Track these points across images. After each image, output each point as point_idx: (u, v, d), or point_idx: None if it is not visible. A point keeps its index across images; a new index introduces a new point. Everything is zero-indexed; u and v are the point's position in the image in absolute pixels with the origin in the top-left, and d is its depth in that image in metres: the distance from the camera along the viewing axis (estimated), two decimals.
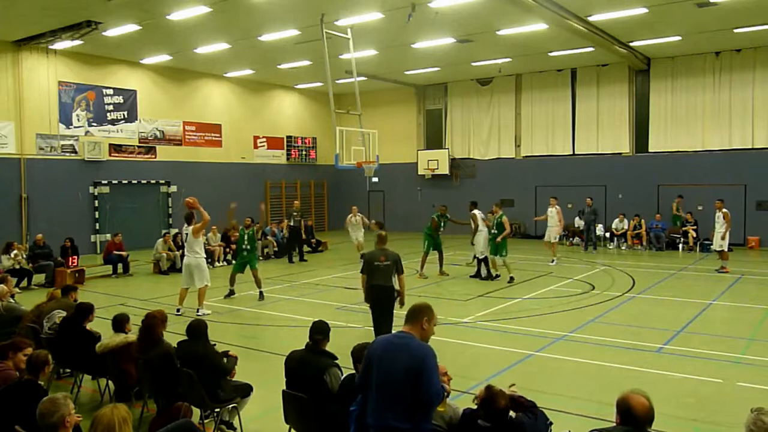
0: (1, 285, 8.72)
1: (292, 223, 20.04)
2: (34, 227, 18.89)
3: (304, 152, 29.17)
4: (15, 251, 15.29)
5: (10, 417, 4.51)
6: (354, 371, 5.14)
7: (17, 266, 15.11)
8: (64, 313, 7.43)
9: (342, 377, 5.17)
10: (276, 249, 20.96)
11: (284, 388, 5.38)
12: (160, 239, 18.03)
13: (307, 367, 5.27)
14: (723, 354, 8.68)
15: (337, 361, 5.33)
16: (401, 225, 27.34)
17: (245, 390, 6.15)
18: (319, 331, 5.49)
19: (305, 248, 21.19)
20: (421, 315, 4.36)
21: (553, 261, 18.10)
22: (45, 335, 7.28)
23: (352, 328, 10.50)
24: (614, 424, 3.80)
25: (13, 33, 18.29)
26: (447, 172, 27.26)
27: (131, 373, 6.37)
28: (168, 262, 17.62)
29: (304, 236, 20.62)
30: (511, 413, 4.41)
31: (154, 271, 17.57)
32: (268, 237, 20.89)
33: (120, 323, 6.71)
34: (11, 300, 8.57)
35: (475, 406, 4.43)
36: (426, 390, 4.07)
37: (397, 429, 4.08)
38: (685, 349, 9.02)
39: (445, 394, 4.34)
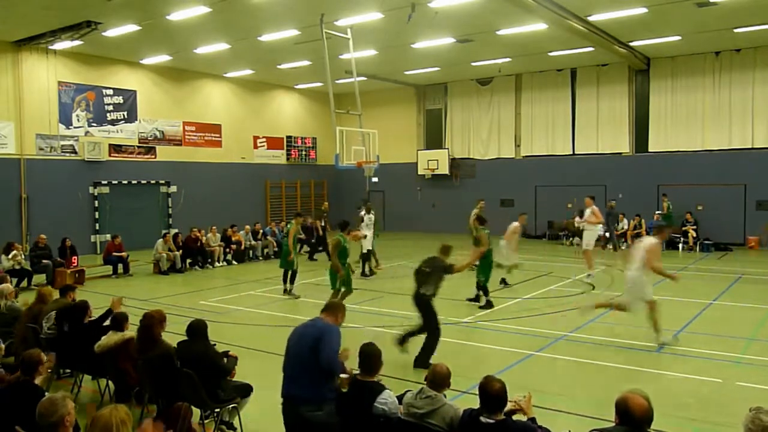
0: (6, 284, 8.70)
1: (323, 223, 21.29)
2: (35, 227, 18.89)
3: (304, 152, 29.17)
4: (14, 251, 15.27)
5: (8, 418, 4.51)
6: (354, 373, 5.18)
7: (17, 266, 15.10)
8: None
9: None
10: (276, 249, 20.94)
11: None
12: (160, 239, 18.00)
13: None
14: (723, 354, 8.67)
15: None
16: (401, 225, 27.37)
17: (245, 390, 6.15)
18: None
19: (305, 248, 21.43)
20: (337, 310, 5.42)
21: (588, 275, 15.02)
22: (45, 335, 7.28)
23: (351, 329, 10.48)
24: (614, 424, 3.81)
25: (14, 33, 18.29)
26: (447, 172, 27.28)
27: (130, 372, 6.37)
28: (168, 262, 17.60)
29: (320, 233, 21.08)
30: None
31: (154, 272, 17.56)
32: (268, 237, 20.89)
33: (119, 322, 6.71)
34: (15, 300, 8.55)
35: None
36: (323, 354, 4.88)
37: (300, 397, 4.85)
38: (685, 349, 9.02)
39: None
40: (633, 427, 3.69)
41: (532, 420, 4.45)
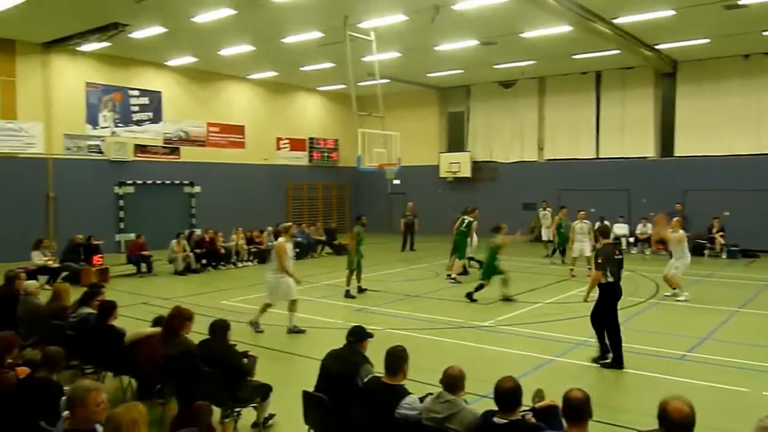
0: (32, 281, 8.88)
1: (405, 220, 23.24)
2: (61, 226, 19.23)
3: (326, 154, 29.29)
4: (46, 249, 15.70)
5: (26, 412, 4.59)
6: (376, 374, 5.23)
7: (51, 264, 15.45)
8: (88, 310, 7.54)
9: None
10: (297, 250, 21.02)
11: (304, 388, 5.41)
12: (174, 240, 17.86)
13: (341, 363, 5.45)
14: (749, 363, 8.50)
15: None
16: (422, 227, 27.26)
17: (265, 390, 6.18)
18: (351, 333, 5.73)
19: (327, 249, 21.65)
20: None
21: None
22: (70, 332, 7.39)
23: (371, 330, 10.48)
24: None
25: (43, 35, 18.65)
26: (469, 175, 27.19)
27: (149, 365, 6.40)
28: (183, 262, 17.69)
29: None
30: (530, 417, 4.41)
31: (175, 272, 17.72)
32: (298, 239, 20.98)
33: (160, 321, 6.82)
34: (38, 298, 8.70)
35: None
36: None
37: None
38: (710, 357, 8.87)
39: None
40: (668, 430, 3.68)
41: (555, 408, 4.42)
